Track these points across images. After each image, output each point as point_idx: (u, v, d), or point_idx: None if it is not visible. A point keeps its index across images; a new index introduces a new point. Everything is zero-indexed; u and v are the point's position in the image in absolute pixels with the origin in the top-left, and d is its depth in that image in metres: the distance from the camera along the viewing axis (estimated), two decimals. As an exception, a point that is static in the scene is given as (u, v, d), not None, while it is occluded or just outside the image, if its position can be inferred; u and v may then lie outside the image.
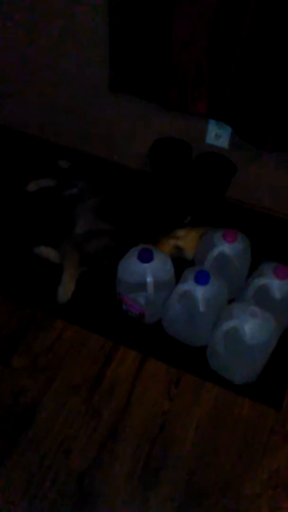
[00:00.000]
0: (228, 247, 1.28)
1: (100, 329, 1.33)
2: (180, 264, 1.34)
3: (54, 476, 1.09)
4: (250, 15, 1.15)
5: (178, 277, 1.27)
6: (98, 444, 1.14)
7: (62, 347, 1.30)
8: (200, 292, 1.18)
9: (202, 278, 1.17)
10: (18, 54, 1.60)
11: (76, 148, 1.75)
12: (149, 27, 1.28)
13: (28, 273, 1.45)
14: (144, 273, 1.22)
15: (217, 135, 1.47)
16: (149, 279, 1.22)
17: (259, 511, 1.06)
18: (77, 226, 1.51)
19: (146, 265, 1.21)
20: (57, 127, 1.74)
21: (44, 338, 1.31)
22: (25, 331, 1.32)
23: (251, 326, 1.12)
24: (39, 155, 1.78)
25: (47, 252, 1.47)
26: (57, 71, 1.57)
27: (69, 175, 1.66)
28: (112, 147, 1.70)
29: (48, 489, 1.07)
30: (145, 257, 1.21)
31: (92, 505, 1.06)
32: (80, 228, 1.50)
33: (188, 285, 1.20)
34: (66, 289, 1.37)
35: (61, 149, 1.77)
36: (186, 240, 1.45)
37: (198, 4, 1.19)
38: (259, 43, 1.18)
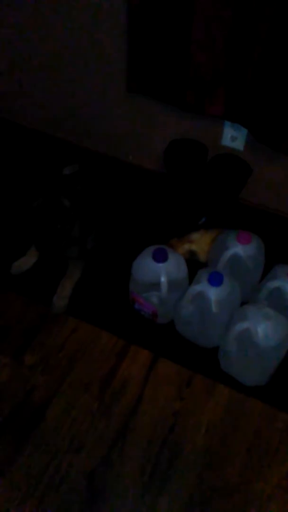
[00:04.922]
0: (242, 249, 1.28)
1: (112, 328, 1.34)
2: (193, 265, 1.34)
3: (64, 473, 1.09)
4: (268, 18, 1.16)
5: (191, 278, 1.27)
6: (108, 443, 1.14)
7: (74, 345, 1.30)
8: (213, 293, 1.18)
9: (215, 280, 1.17)
10: (36, 54, 1.61)
11: (91, 148, 1.76)
12: (168, 28, 1.28)
13: (41, 270, 1.46)
14: (158, 272, 1.22)
15: (233, 137, 1.47)
16: (163, 279, 1.22)
17: (269, 514, 1.06)
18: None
19: (160, 265, 1.22)
20: (73, 126, 1.75)
21: (57, 336, 1.32)
22: (38, 328, 1.33)
23: (264, 328, 1.12)
24: (53, 153, 1.79)
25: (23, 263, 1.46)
26: (74, 72, 1.58)
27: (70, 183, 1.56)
28: (127, 148, 1.70)
29: (58, 486, 1.08)
30: (160, 257, 1.21)
31: (101, 503, 1.06)
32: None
33: (202, 286, 1.19)
34: (60, 297, 1.38)
35: (75, 148, 1.78)
36: (200, 243, 1.45)
37: (217, 6, 1.19)
38: (277, 46, 1.18)
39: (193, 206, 1.49)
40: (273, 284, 1.23)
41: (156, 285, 1.24)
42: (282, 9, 1.12)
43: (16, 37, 1.60)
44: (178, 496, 1.07)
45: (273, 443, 1.15)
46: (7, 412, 1.18)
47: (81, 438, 1.15)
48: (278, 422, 1.18)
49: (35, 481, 1.08)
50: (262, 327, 1.12)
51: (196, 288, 1.21)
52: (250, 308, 1.18)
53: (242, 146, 1.48)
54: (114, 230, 1.56)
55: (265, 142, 1.37)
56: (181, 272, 1.27)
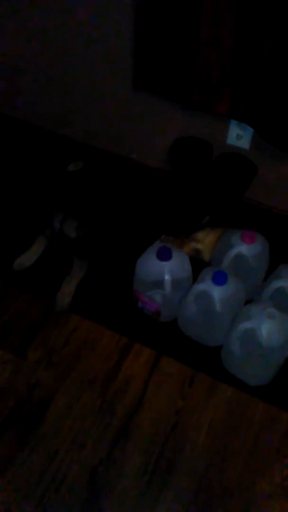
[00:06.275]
0: (246, 248, 1.28)
1: (115, 325, 1.34)
2: (197, 264, 1.33)
3: (66, 470, 1.09)
4: (277, 17, 1.15)
5: (194, 277, 1.27)
6: (111, 440, 1.14)
7: (77, 341, 1.30)
8: (217, 292, 1.18)
9: (219, 278, 1.17)
10: (45, 52, 1.61)
11: (96, 145, 1.76)
12: (175, 26, 1.28)
13: (45, 266, 1.46)
14: (162, 271, 1.22)
15: (239, 136, 1.47)
16: (167, 277, 1.22)
17: (271, 512, 1.06)
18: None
19: (164, 263, 1.21)
20: (77, 124, 1.75)
21: (60, 332, 1.32)
22: (41, 324, 1.33)
23: (268, 327, 1.11)
24: (57, 151, 1.79)
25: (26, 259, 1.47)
26: (80, 69, 1.58)
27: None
28: (132, 145, 1.70)
29: (60, 483, 1.08)
30: (164, 255, 1.21)
31: (102, 501, 1.06)
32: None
33: (205, 285, 1.19)
34: (64, 295, 1.37)
35: (80, 145, 1.78)
36: (204, 242, 1.45)
37: (225, 4, 1.19)
38: (286, 45, 1.18)
39: (197, 205, 1.49)
40: (278, 283, 1.23)
41: (160, 284, 1.24)
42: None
43: (26, 35, 1.60)
44: (179, 495, 1.07)
45: (275, 443, 1.15)
46: (10, 408, 1.18)
47: (83, 435, 1.15)
48: (281, 422, 1.18)
49: (36, 478, 1.08)
50: (266, 327, 1.11)
51: (200, 287, 1.20)
52: (254, 307, 1.18)
53: (247, 145, 1.48)
54: (118, 228, 1.56)
55: (271, 141, 1.37)
56: (185, 270, 1.27)
